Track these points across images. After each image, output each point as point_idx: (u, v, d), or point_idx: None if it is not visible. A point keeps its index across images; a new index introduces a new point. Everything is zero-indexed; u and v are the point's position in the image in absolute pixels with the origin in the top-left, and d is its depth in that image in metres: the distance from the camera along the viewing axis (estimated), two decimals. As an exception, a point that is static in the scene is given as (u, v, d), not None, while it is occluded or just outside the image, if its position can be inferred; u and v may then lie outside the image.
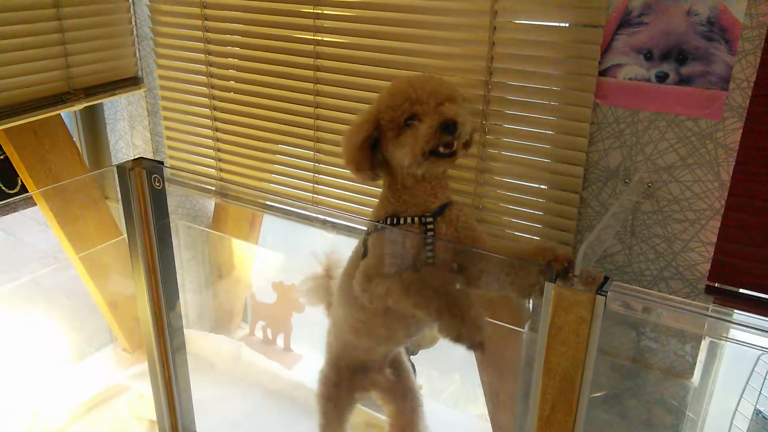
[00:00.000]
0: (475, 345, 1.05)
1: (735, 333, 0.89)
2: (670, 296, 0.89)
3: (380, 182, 1.22)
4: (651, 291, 0.91)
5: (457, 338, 1.05)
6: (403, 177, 1.15)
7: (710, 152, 1.14)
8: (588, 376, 0.93)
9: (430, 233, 1.14)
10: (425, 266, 1.14)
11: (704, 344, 1.30)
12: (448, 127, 1.05)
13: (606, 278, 0.91)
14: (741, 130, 1.09)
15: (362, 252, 1.22)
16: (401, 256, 1.15)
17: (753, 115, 1.07)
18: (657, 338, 1.29)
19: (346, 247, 1.52)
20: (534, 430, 0.99)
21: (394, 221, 1.16)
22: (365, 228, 1.50)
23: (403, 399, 1.53)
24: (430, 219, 1.14)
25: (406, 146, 1.09)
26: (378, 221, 1.19)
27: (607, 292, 0.88)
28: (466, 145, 1.16)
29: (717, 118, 1.11)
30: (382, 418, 1.69)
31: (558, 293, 0.91)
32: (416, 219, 1.14)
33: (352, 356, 1.42)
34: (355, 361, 1.43)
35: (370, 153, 1.14)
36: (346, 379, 1.45)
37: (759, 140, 1.07)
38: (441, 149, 1.08)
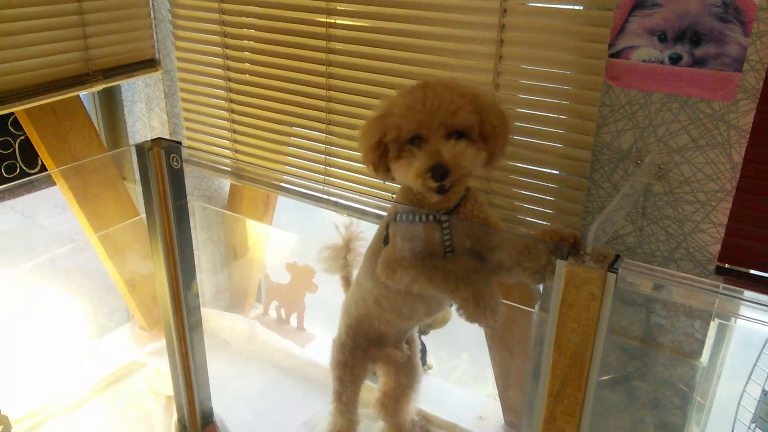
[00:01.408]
0: (491, 327, 1.12)
1: (745, 311, 0.91)
2: (681, 273, 0.91)
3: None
4: (661, 269, 0.93)
5: (478, 322, 1.10)
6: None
7: (722, 134, 1.15)
8: (598, 352, 0.95)
9: (446, 231, 1.16)
10: (445, 258, 1.17)
11: (713, 325, 1.31)
12: (438, 173, 1.03)
13: (617, 256, 0.93)
14: (754, 112, 1.10)
15: (384, 236, 1.24)
16: (420, 250, 1.17)
17: (766, 97, 1.07)
18: (667, 316, 1.30)
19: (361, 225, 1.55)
20: (544, 405, 1.01)
21: (411, 217, 1.17)
22: (376, 210, 1.53)
23: (407, 374, 1.57)
24: (445, 217, 1.15)
25: (402, 171, 1.09)
26: (397, 212, 1.21)
27: (618, 269, 0.90)
28: (492, 160, 1.14)
29: (730, 100, 1.12)
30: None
31: (569, 270, 0.93)
32: (431, 216, 1.15)
33: (372, 327, 1.44)
34: (373, 332, 1.46)
35: (385, 155, 1.13)
36: (361, 348, 1.47)
37: (772, 122, 1.08)
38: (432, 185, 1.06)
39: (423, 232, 1.17)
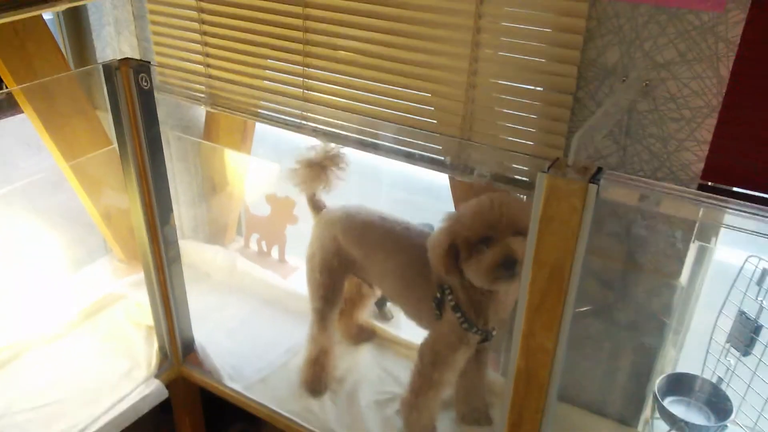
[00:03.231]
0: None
1: (729, 219, 0.89)
2: (663, 183, 0.89)
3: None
4: (644, 179, 0.91)
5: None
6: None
7: (710, 47, 1.11)
8: (577, 266, 0.94)
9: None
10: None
11: (693, 247, 1.31)
12: (508, 264, 1.15)
13: (599, 168, 0.91)
14: (743, 23, 1.06)
15: (436, 302, 1.34)
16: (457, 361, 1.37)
17: (758, 5, 1.03)
18: (648, 228, 1.29)
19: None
20: (523, 319, 1.01)
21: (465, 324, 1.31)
22: (357, 135, 1.49)
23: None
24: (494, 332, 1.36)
25: (474, 269, 1.20)
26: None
27: (599, 180, 0.88)
28: None
29: (720, 11, 1.08)
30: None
31: (550, 183, 0.91)
32: (485, 332, 1.34)
33: None
34: None
35: (455, 260, 1.23)
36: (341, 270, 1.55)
37: (763, 33, 1.04)
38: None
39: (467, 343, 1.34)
